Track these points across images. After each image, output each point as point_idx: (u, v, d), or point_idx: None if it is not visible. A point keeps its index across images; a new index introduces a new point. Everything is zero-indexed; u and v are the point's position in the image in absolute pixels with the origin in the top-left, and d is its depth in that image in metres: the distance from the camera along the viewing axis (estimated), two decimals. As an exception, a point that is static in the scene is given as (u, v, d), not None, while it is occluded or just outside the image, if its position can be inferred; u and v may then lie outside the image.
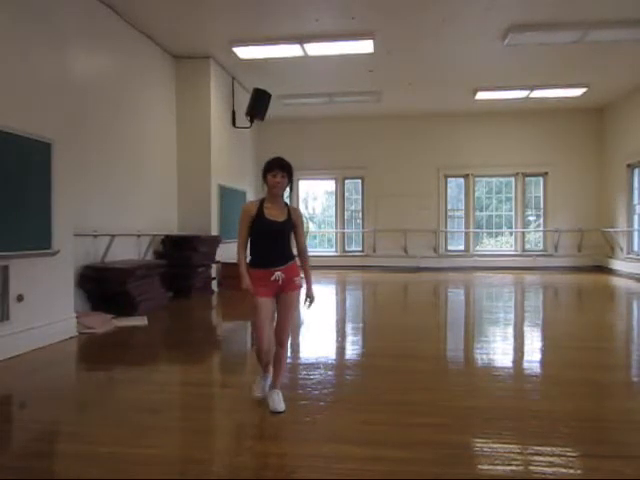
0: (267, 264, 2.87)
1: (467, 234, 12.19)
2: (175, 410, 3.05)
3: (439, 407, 2.97)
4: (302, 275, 2.99)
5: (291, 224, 2.93)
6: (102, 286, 5.66)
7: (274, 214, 2.88)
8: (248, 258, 2.94)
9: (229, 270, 8.25)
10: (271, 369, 3.04)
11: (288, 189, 2.98)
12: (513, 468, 2.21)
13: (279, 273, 2.86)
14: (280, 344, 2.97)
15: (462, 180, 12.22)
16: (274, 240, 2.89)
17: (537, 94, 10.00)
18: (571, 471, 2.20)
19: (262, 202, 2.92)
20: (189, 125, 8.25)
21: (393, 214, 11.99)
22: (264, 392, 3.00)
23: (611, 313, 6.72)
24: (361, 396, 3.22)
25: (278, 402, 2.87)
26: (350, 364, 4.11)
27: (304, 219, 3.01)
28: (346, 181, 12.53)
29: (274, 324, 2.99)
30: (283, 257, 2.92)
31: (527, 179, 12.04)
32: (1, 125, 3.94)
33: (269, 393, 2.95)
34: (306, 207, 13.02)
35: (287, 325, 2.97)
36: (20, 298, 4.20)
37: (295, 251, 3.03)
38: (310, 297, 2.97)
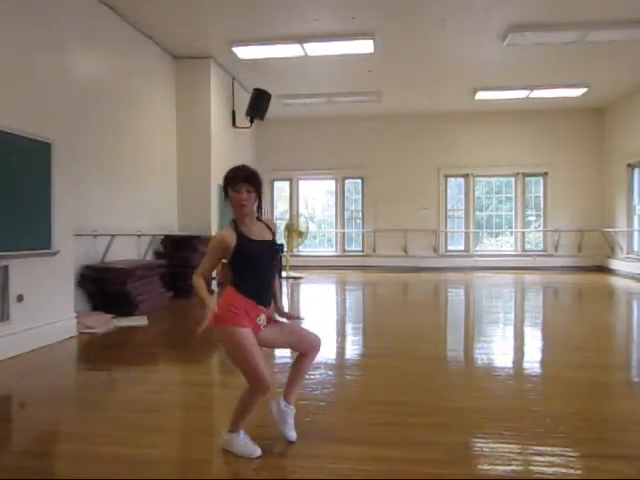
0: (259, 299, 2.32)
1: (467, 234, 12.19)
2: (175, 410, 3.05)
3: (439, 407, 2.97)
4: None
5: (276, 242, 2.43)
6: (102, 286, 5.66)
7: (257, 233, 2.34)
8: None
9: (229, 270, 8.22)
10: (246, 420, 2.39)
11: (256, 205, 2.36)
12: (513, 468, 2.21)
13: (263, 316, 2.34)
14: (313, 355, 2.48)
15: (462, 180, 12.21)
16: (267, 269, 2.37)
17: (537, 94, 10.00)
18: (571, 471, 2.20)
19: (235, 225, 2.33)
20: (189, 125, 8.25)
21: (393, 214, 11.98)
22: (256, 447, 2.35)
23: (611, 313, 6.72)
24: (361, 396, 3.22)
25: (293, 427, 2.46)
26: (350, 364, 4.11)
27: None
28: (346, 181, 12.53)
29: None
30: (270, 291, 2.40)
31: (527, 179, 12.03)
32: (1, 125, 3.93)
33: (287, 412, 2.45)
34: (306, 207, 13.02)
35: (303, 330, 2.52)
36: (20, 298, 4.20)
37: None
38: (289, 316, 2.54)
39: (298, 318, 2.68)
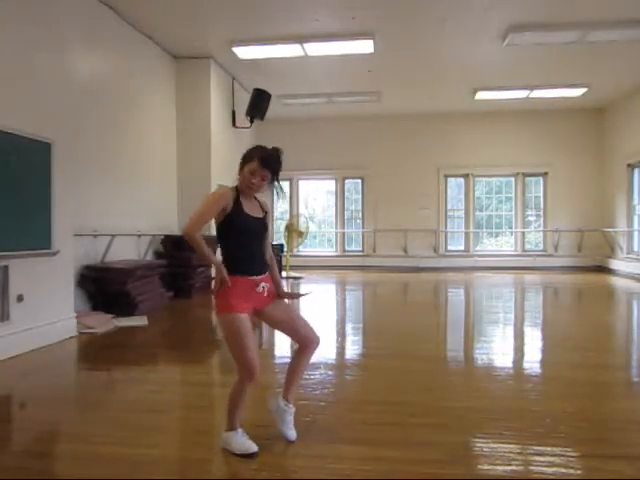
0: (253, 271, 2.34)
1: (467, 234, 12.19)
2: (175, 410, 3.05)
3: (439, 407, 2.97)
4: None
5: (267, 220, 2.45)
6: (102, 286, 5.66)
7: (253, 210, 2.38)
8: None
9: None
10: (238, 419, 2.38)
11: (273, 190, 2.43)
12: (513, 468, 2.21)
13: (264, 283, 2.37)
14: (311, 350, 2.47)
15: (462, 180, 12.21)
16: (257, 241, 2.40)
17: (537, 94, 10.00)
18: (571, 471, 2.20)
19: (237, 192, 2.35)
20: (189, 125, 8.25)
21: (393, 214, 11.98)
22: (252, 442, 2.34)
23: (611, 313, 6.72)
24: (361, 396, 3.22)
25: (293, 426, 2.46)
26: (350, 364, 4.11)
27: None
28: (346, 181, 12.53)
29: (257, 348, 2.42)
30: (265, 264, 2.43)
31: (527, 179, 12.03)
32: (1, 125, 3.93)
33: (286, 410, 2.45)
34: (306, 207, 13.02)
35: (306, 322, 2.49)
36: (20, 298, 4.20)
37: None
38: (291, 295, 2.59)
39: (299, 296, 2.62)
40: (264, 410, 2.57)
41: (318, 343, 2.49)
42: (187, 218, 2.33)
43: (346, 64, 8.28)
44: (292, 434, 2.45)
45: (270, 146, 2.38)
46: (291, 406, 2.48)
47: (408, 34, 7.17)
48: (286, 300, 2.57)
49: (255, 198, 2.44)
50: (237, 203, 2.31)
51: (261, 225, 2.41)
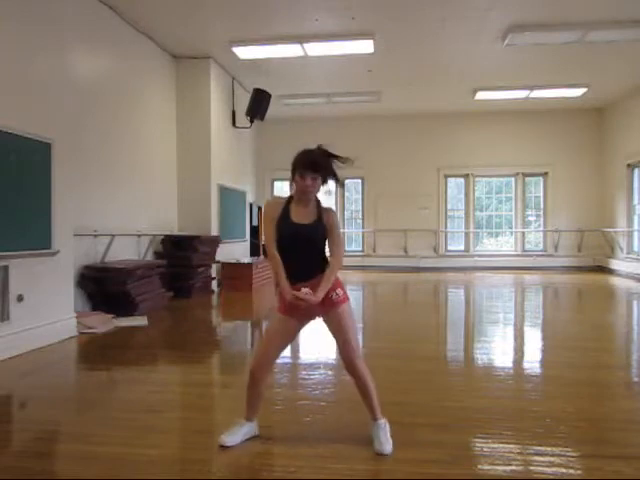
0: (293, 278, 2.32)
1: (467, 234, 12.19)
2: (175, 410, 3.05)
3: (439, 407, 2.97)
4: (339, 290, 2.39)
5: (323, 228, 2.33)
6: (102, 286, 5.66)
7: (301, 216, 2.33)
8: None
9: (229, 270, 8.25)
10: (255, 417, 2.49)
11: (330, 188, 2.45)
12: (513, 468, 2.21)
13: (307, 289, 2.27)
14: (353, 371, 2.39)
15: (462, 180, 12.21)
16: (301, 248, 2.32)
17: (537, 94, 10.00)
18: (571, 471, 2.20)
19: (289, 201, 2.37)
20: (189, 125, 8.25)
21: (393, 214, 11.98)
22: (235, 438, 2.39)
23: (611, 313, 6.72)
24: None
25: (385, 440, 2.34)
26: (350, 364, 4.10)
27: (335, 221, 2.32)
28: (346, 181, 12.52)
29: (281, 351, 2.48)
30: (310, 269, 2.35)
31: (527, 179, 12.04)
32: (1, 125, 3.93)
33: (373, 426, 2.41)
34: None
35: (350, 344, 2.38)
36: (20, 298, 4.20)
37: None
38: (309, 298, 2.26)
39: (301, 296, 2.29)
40: (265, 410, 2.57)
41: (350, 362, 2.39)
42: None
43: (346, 64, 8.28)
44: (381, 448, 2.31)
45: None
46: (377, 422, 2.41)
47: (408, 34, 7.17)
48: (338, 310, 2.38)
49: (318, 205, 2.38)
50: (285, 210, 2.34)
51: (306, 231, 2.31)
